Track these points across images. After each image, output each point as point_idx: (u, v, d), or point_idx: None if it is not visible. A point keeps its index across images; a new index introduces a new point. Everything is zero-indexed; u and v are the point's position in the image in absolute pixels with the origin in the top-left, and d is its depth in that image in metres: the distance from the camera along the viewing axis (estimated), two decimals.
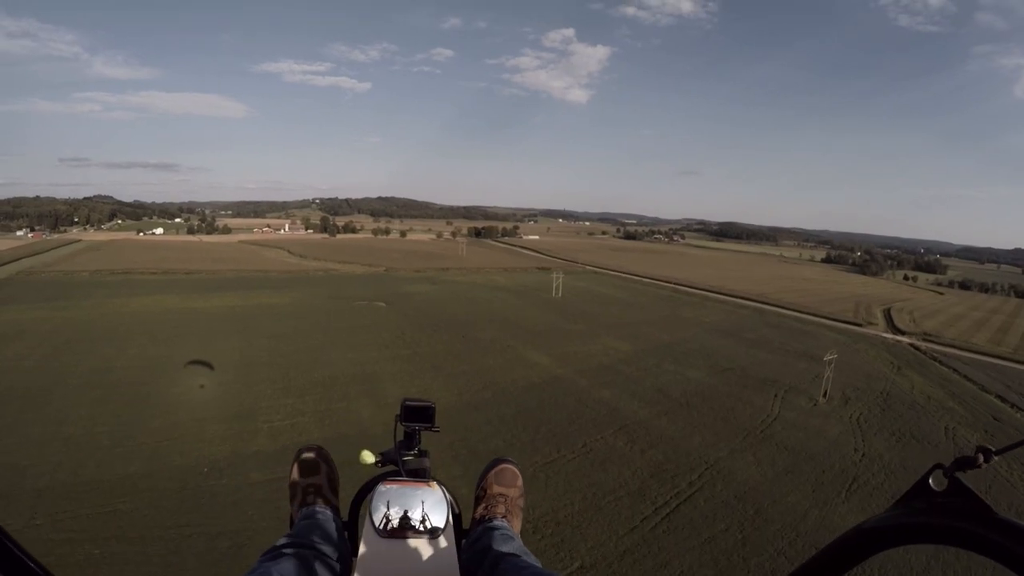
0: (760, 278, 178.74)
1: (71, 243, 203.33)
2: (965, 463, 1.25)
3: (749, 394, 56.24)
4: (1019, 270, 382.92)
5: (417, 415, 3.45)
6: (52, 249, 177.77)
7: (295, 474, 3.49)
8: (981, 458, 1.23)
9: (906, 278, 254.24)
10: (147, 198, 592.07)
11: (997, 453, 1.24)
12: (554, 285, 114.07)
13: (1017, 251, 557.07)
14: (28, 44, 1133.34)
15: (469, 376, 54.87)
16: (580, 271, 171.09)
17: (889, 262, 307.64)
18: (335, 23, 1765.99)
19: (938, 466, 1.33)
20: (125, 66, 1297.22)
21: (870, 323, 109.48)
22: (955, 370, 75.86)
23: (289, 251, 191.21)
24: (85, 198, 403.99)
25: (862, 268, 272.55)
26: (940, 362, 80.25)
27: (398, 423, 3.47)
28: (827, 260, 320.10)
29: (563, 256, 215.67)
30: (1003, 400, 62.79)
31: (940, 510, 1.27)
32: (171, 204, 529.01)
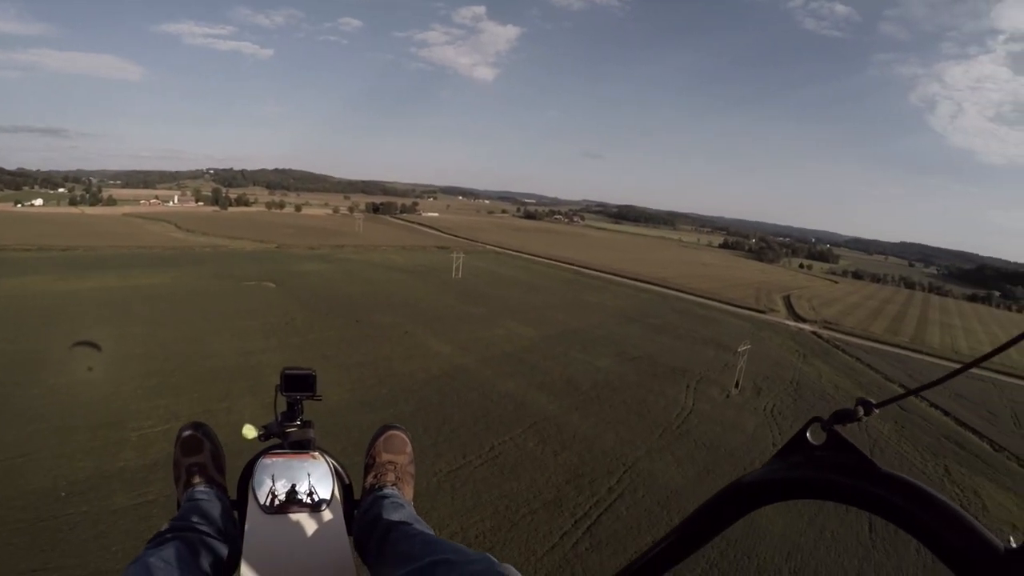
0: (661, 262, 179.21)
1: None
2: (844, 416, 1.22)
3: (661, 385, 54.10)
4: (905, 262, 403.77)
5: (297, 384, 3.32)
6: None
7: (178, 454, 3.33)
8: (861, 411, 1.13)
9: (801, 266, 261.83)
10: (32, 165, 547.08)
11: (877, 406, 0.87)
12: (454, 266, 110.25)
13: (903, 244, 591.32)
14: None
15: (364, 368, 50.63)
16: (481, 251, 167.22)
17: (784, 250, 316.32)
18: None
19: (816, 419, 0.99)
20: (17, 20, 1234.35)
21: (772, 310, 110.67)
22: (858, 359, 77.01)
23: (176, 225, 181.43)
24: None
25: (759, 255, 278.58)
26: (843, 351, 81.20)
27: (278, 393, 3.31)
28: (724, 246, 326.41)
29: (463, 235, 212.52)
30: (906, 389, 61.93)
31: (819, 464, 1.23)
32: (58, 172, 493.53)
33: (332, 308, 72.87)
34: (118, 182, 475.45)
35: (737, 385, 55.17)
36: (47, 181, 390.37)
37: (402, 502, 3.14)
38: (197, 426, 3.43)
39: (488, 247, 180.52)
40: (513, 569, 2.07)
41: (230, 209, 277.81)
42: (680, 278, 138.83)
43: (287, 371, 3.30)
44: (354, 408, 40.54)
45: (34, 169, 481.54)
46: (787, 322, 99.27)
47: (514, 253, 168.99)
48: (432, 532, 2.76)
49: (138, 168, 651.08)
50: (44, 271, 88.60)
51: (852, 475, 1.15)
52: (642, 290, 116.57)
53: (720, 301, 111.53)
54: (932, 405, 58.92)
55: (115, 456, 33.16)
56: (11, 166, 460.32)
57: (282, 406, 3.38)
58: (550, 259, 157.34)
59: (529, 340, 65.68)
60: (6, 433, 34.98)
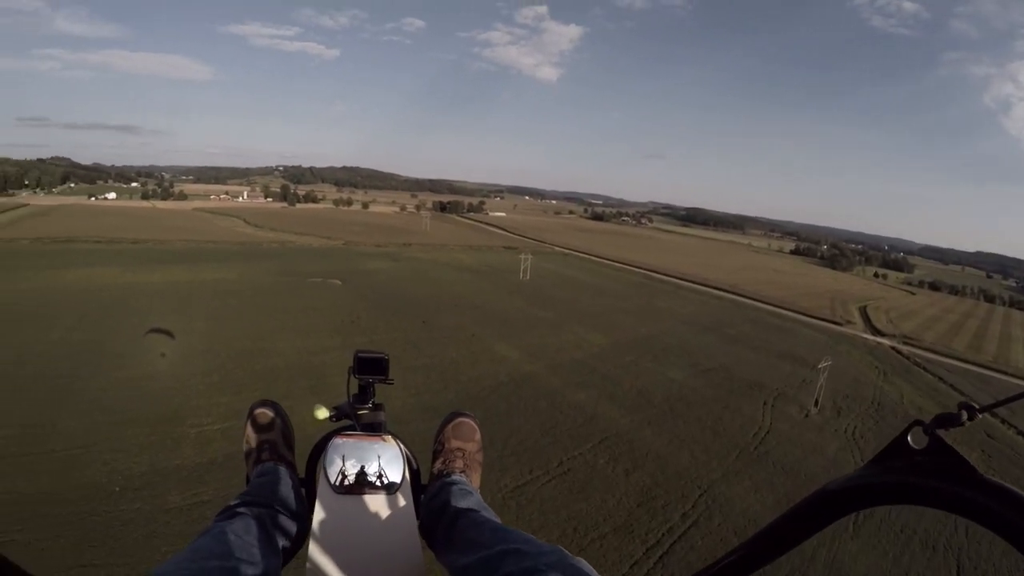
0: (731, 267, 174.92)
1: (17, 207, 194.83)
2: (947, 420, 0.91)
3: (737, 400, 51.48)
4: (982, 273, 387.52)
5: (370, 367, 3.35)
6: None
7: (249, 431, 3.37)
8: (964, 415, 0.88)
9: (876, 275, 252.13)
10: (107, 161, 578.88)
11: (981, 411, 0.89)
12: (522, 267, 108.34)
13: (979, 254, 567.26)
14: None
15: (430, 371, 49.08)
16: (548, 252, 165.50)
17: (858, 258, 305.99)
18: None
19: (918, 423, 1.03)
20: (88, 22, 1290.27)
21: (848, 322, 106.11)
22: (941, 379, 72.92)
23: (245, 220, 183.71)
24: (39, 159, 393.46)
25: (831, 262, 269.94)
26: (924, 368, 77.20)
27: (351, 376, 3.36)
28: (796, 252, 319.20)
29: (530, 235, 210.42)
30: (993, 415, 58.38)
31: (920, 469, 1.18)
32: (131, 168, 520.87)
33: (398, 307, 71.79)
34: (190, 177, 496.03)
35: (816, 404, 52.36)
36: (120, 176, 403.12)
37: (470, 489, 3.10)
38: (269, 403, 3.44)
39: (556, 248, 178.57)
40: (586, 563, 2.04)
41: (298, 206, 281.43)
42: (752, 285, 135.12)
43: (360, 354, 3.31)
44: (419, 414, 38.19)
45: (108, 164, 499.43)
46: (864, 335, 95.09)
47: (582, 255, 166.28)
48: (499, 520, 2.71)
49: (209, 164, 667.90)
50: (112, 263, 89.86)
51: (954, 482, 1.11)
52: (714, 297, 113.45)
53: (794, 311, 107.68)
54: (1020, 433, 55.00)
55: (172, 452, 32.57)
56: (87, 161, 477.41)
57: (354, 388, 3.40)
58: (619, 262, 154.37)
59: (599, 347, 63.65)
60: (67, 423, 34.74)
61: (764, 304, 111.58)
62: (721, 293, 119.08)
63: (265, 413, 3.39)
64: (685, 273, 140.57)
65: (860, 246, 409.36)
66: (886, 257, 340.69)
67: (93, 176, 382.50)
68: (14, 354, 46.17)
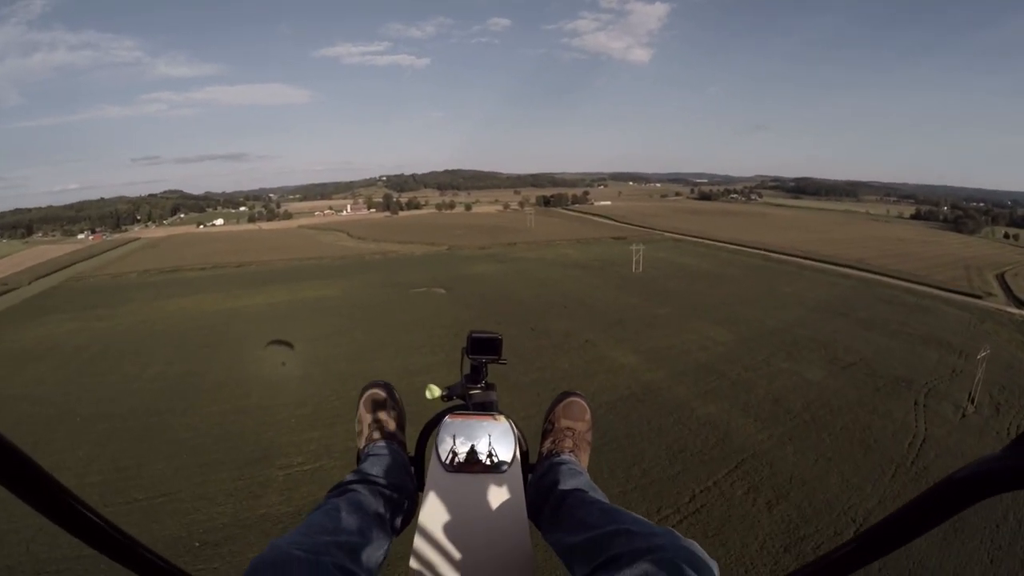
0: (852, 240, 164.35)
1: (130, 242, 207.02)
2: None
3: (883, 402, 45.63)
4: None
5: (484, 347, 3.35)
6: (109, 250, 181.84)
7: (362, 410, 3.44)
8: None
9: (1006, 236, 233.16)
10: (217, 188, 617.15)
11: None
12: (633, 259, 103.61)
13: None
14: (90, 54, 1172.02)
15: (540, 387, 45.18)
16: (658, 239, 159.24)
17: (983, 218, 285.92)
18: (388, 2, 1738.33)
19: None
20: (187, 65, 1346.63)
21: (988, 294, 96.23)
22: None
23: (348, 233, 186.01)
24: (150, 195, 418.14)
25: (956, 225, 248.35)
26: None
27: (464, 356, 3.40)
28: (916, 216, 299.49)
29: (638, 223, 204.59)
30: None
31: None
32: (240, 192, 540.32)
33: (504, 314, 69.10)
34: (297, 196, 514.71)
35: (972, 400, 46.12)
36: (229, 202, 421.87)
37: (579, 469, 3.10)
38: (381, 384, 3.50)
39: (666, 234, 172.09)
40: (698, 546, 1.99)
41: (401, 214, 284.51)
42: (877, 258, 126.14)
43: (474, 334, 3.33)
44: (531, 440, 34.87)
45: (219, 192, 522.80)
46: (1008, 309, 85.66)
47: (694, 239, 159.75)
48: (607, 500, 2.69)
49: (315, 181, 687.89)
50: (215, 289, 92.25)
51: None
52: (840, 275, 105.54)
53: (928, 285, 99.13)
54: None
55: (257, 500, 30.88)
56: (198, 191, 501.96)
57: (467, 368, 3.44)
58: (734, 244, 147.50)
59: (724, 345, 58.98)
60: (154, 466, 34.08)
61: (894, 279, 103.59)
62: (846, 270, 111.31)
63: (378, 393, 3.43)
64: (805, 251, 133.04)
65: (982, 204, 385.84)
66: (1013, 214, 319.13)
67: (202, 205, 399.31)
68: (113, 391, 46.71)
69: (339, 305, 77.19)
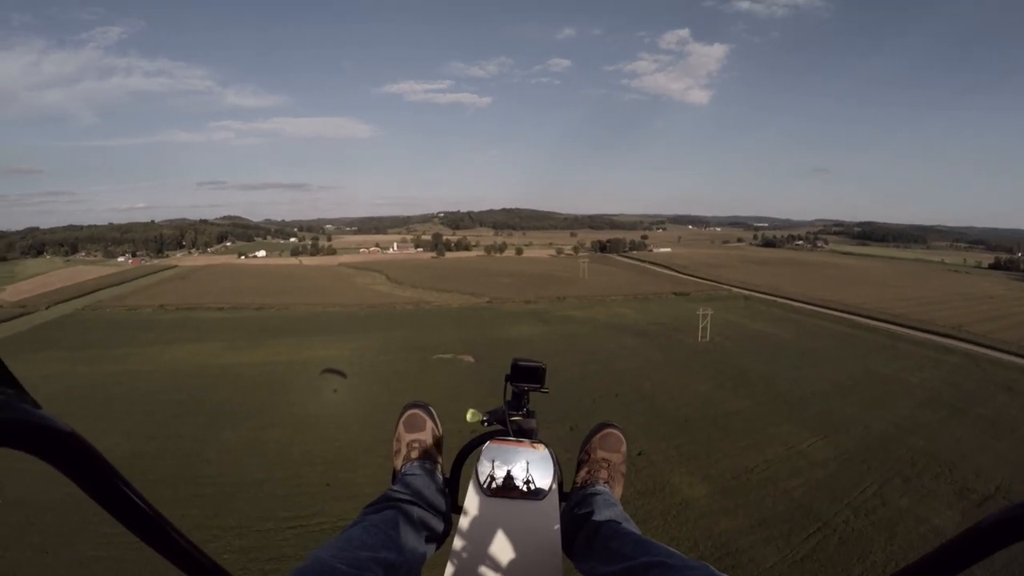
0: (940, 297, 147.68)
1: (165, 269, 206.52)
2: None
3: None
4: None
5: (526, 375, 3.47)
6: (141, 276, 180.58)
7: (400, 430, 3.54)
8: None
9: None
10: (277, 216, 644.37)
11: None
12: (700, 325, 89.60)
13: None
14: (164, 81, 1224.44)
15: None
16: (725, 295, 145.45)
17: None
18: (452, 42, 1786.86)
19: None
20: (254, 96, 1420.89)
21: None
22: None
23: (387, 276, 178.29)
24: (201, 220, 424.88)
25: None
26: None
27: (507, 383, 3.49)
28: (995, 266, 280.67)
29: (702, 274, 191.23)
30: None
31: None
32: (301, 222, 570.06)
33: (541, 400, 54.30)
34: (353, 228, 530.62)
35: None
36: (280, 232, 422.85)
37: (613, 501, 3.18)
38: (421, 405, 3.61)
39: (733, 290, 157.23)
40: None
41: (448, 255, 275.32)
42: (974, 324, 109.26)
43: (518, 362, 3.42)
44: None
45: (279, 219, 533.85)
46: None
47: (766, 297, 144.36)
48: (640, 532, 2.75)
49: (373, 215, 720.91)
50: (220, 336, 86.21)
51: None
52: (941, 348, 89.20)
53: None
54: None
55: None
56: (259, 218, 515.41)
57: (508, 395, 3.54)
58: (810, 304, 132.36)
59: (822, 466, 44.63)
60: None
61: (1004, 354, 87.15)
62: (946, 341, 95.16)
63: (417, 414, 3.53)
64: (891, 313, 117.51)
65: None
66: None
67: (251, 234, 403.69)
68: (37, 475, 34.77)
69: (346, 371, 68.30)
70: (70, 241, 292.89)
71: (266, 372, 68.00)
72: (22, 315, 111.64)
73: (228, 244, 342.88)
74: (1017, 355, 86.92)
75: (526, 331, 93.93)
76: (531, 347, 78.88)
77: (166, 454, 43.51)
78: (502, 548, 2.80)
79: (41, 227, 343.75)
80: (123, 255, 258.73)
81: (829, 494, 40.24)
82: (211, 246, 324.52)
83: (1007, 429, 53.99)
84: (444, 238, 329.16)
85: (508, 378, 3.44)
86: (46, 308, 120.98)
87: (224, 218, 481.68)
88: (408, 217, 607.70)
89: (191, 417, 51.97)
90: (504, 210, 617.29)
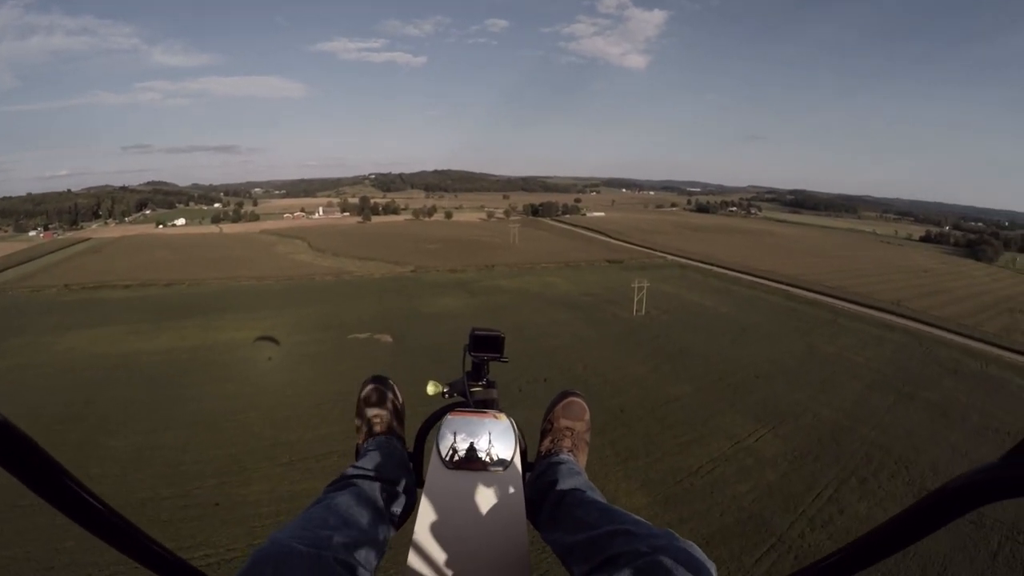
0: (873, 270, 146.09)
1: (78, 243, 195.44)
2: None
3: None
4: None
5: (485, 345, 3.41)
6: (52, 251, 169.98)
7: (361, 405, 3.47)
8: None
9: None
10: (205, 180, 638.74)
11: None
12: (635, 298, 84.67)
13: None
14: (88, 40, 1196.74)
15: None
16: (660, 263, 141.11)
17: (996, 242, 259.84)
18: None
19: None
20: (183, 54, 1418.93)
21: None
22: None
23: (309, 243, 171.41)
24: (122, 187, 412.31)
25: (973, 251, 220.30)
26: None
27: (466, 353, 3.45)
28: (927, 239, 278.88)
29: (636, 240, 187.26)
30: None
31: None
32: (227, 185, 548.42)
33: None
34: (283, 191, 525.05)
35: None
36: (204, 197, 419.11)
37: (578, 469, 3.15)
38: (380, 379, 3.51)
39: (669, 257, 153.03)
40: (695, 546, 2.04)
41: (374, 219, 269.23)
42: (914, 299, 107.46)
43: (476, 331, 3.38)
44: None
45: (207, 184, 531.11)
46: None
47: (702, 265, 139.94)
48: (605, 500, 2.74)
49: (305, 177, 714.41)
50: (122, 319, 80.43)
51: None
52: (883, 326, 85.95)
53: (986, 342, 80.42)
54: None
55: None
56: (186, 182, 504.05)
57: (468, 366, 3.47)
58: (747, 273, 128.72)
59: (772, 465, 40.50)
60: None
61: (945, 332, 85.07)
62: (888, 318, 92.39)
63: (377, 388, 3.43)
64: (828, 286, 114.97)
65: (980, 223, 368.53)
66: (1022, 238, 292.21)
67: (172, 200, 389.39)
68: None
69: (250, 356, 62.92)
70: None
71: (168, 361, 62.41)
72: None
73: (148, 212, 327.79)
74: (957, 333, 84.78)
75: (450, 304, 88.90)
76: (454, 323, 73.04)
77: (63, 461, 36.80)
78: (466, 520, 2.76)
79: None
80: (35, 229, 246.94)
81: (782, 500, 36.21)
82: (129, 215, 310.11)
83: (958, 418, 51.18)
84: (372, 201, 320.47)
85: (467, 348, 3.35)
86: None
87: (148, 184, 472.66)
88: (339, 180, 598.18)
89: (77, 422, 46.12)
90: (436, 172, 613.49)
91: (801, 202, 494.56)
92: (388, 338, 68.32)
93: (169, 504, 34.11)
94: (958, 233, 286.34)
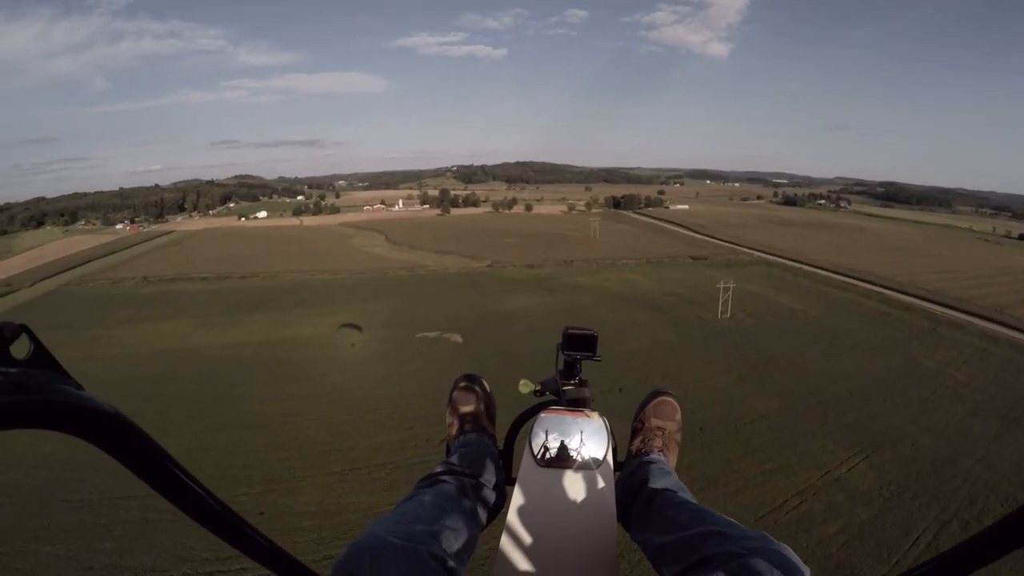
0: (977, 272, 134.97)
1: (161, 235, 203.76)
2: None
3: None
4: None
5: (579, 344, 3.39)
6: (136, 244, 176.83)
7: (453, 403, 3.54)
8: None
9: None
10: (291, 174, 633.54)
11: None
12: (721, 299, 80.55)
13: None
14: (175, 43, 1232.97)
15: None
16: (747, 261, 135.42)
17: None
18: None
19: None
20: (267, 53, 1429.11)
21: None
22: None
23: (387, 236, 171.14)
24: (209, 181, 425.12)
25: None
26: None
27: (559, 352, 3.43)
28: None
29: (721, 235, 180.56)
30: None
31: None
32: (312, 179, 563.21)
33: (527, 397, 46.62)
34: (366, 184, 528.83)
35: None
36: (288, 190, 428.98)
37: (668, 469, 3.17)
38: (473, 378, 3.57)
39: (755, 253, 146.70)
40: (791, 551, 2.03)
41: (454, 212, 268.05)
42: (1017, 305, 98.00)
43: (570, 330, 3.36)
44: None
45: (292, 176, 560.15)
46: None
47: (790, 263, 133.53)
48: (696, 501, 2.75)
49: (387, 169, 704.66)
50: (196, 312, 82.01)
51: None
52: (986, 337, 78.52)
53: None
54: None
55: None
56: (272, 175, 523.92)
57: (560, 364, 3.45)
58: (839, 273, 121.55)
59: (865, 503, 36.74)
60: None
61: None
62: (991, 327, 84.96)
63: (469, 386, 3.51)
64: (928, 290, 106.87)
65: None
66: None
67: (255, 193, 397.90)
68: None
69: (316, 356, 61.74)
70: (71, 210, 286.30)
71: (232, 356, 62.35)
72: (7, 294, 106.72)
73: (231, 205, 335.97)
74: None
75: (525, 302, 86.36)
76: (527, 323, 71.97)
77: (96, 468, 35.62)
78: (557, 518, 2.77)
79: (47, 196, 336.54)
80: (122, 222, 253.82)
81: (874, 546, 32.70)
82: (213, 208, 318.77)
83: None
84: (452, 193, 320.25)
85: (560, 347, 3.33)
86: (31, 285, 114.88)
87: (234, 177, 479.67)
88: (421, 171, 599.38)
89: (135, 418, 42.80)
90: (518, 163, 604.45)
91: (892, 195, 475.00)
92: (458, 338, 66.66)
93: None
94: None
